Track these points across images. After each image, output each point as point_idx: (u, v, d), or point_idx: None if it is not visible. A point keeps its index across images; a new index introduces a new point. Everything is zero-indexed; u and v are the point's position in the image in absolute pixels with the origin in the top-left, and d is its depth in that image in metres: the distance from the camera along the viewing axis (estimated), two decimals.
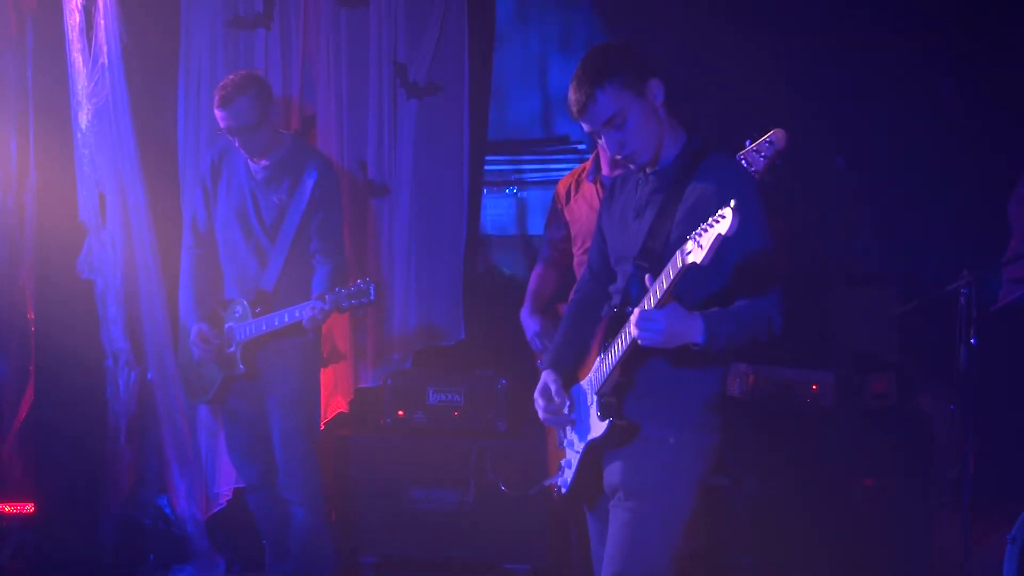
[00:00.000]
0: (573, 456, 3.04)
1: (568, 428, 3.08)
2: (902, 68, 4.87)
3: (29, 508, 4.75)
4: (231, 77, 4.28)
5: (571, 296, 3.27)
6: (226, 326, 4.29)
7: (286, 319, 4.09)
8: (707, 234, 2.48)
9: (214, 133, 4.86)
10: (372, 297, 3.94)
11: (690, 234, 2.53)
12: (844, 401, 4.11)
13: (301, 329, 4.13)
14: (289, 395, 4.26)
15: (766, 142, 3.48)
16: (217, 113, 4.16)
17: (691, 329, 2.67)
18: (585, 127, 2.91)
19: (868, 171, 5.01)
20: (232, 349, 4.26)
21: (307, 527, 4.26)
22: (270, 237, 4.25)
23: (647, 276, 2.71)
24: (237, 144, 4.20)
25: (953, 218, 4.83)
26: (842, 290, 5.03)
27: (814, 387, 4.15)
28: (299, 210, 4.21)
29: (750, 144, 3.51)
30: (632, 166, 2.98)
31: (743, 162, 3.50)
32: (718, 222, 2.47)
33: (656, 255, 2.68)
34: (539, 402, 3.07)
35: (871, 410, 4.18)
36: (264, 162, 4.26)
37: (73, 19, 4.60)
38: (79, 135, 4.67)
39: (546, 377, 3.08)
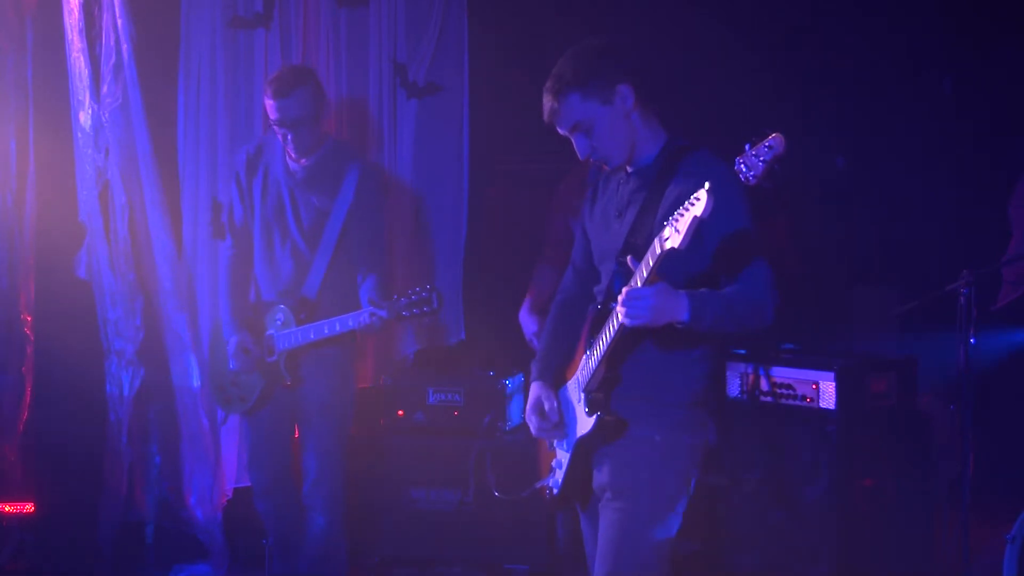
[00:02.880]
0: (563, 456, 3.04)
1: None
2: (902, 68, 4.87)
3: (29, 508, 4.74)
4: (286, 68, 4.20)
5: (555, 297, 3.27)
6: (266, 333, 4.16)
7: (337, 328, 3.95)
8: (683, 218, 2.49)
9: (214, 133, 4.87)
10: (436, 305, 3.73)
11: (667, 220, 2.54)
12: (844, 401, 4.11)
13: (343, 338, 3.99)
14: (328, 406, 4.17)
15: (764, 147, 3.48)
16: (269, 104, 4.02)
17: (677, 307, 2.66)
18: (559, 131, 2.94)
19: (868, 171, 5.01)
20: (274, 358, 4.13)
21: (326, 535, 4.19)
22: (309, 242, 4.13)
23: (629, 258, 2.71)
24: (289, 138, 4.04)
25: (953, 218, 4.84)
26: (842, 290, 5.03)
27: (814, 387, 4.15)
28: (340, 216, 4.08)
29: (749, 148, 3.51)
30: (606, 168, 3.00)
31: (742, 166, 3.50)
32: (693, 204, 2.47)
33: (638, 252, 2.68)
34: (532, 419, 3.07)
35: (871, 410, 4.18)
36: (305, 161, 4.13)
37: (73, 19, 4.59)
38: (79, 135, 4.66)
39: (538, 391, 3.07)
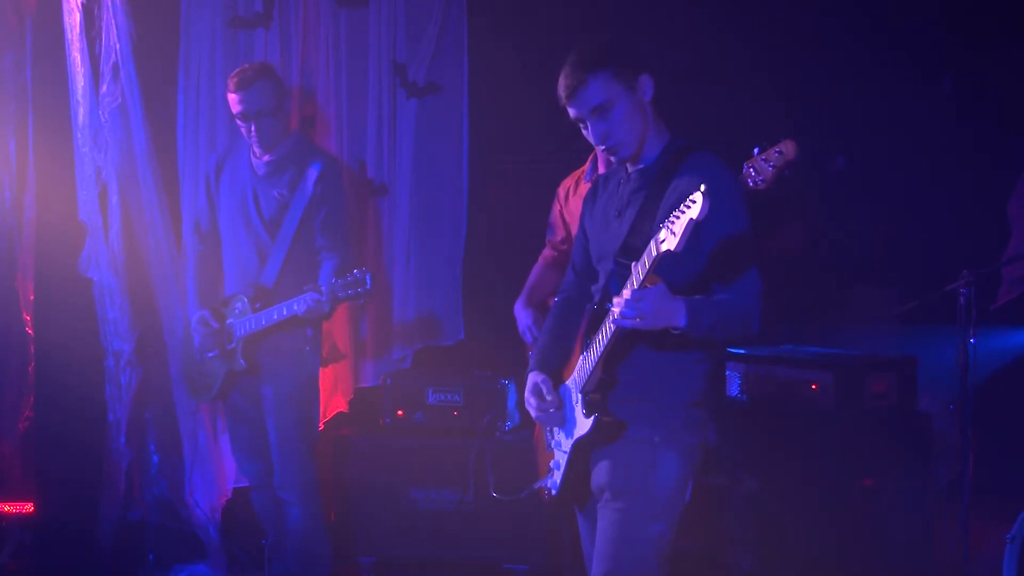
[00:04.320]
0: (561, 457, 3.04)
1: (556, 429, 3.08)
2: (902, 68, 4.87)
3: (29, 508, 4.75)
4: (247, 64, 4.28)
5: (556, 297, 3.27)
6: (227, 322, 4.26)
7: (284, 312, 4.05)
8: (679, 220, 2.49)
9: (214, 132, 4.88)
10: (368, 286, 3.87)
11: (663, 223, 2.54)
12: (844, 401, 4.11)
13: (300, 324, 4.10)
14: (285, 392, 4.24)
15: (775, 152, 3.45)
16: (232, 97, 4.13)
17: (675, 312, 2.67)
18: (572, 112, 2.92)
19: (868, 171, 5.01)
20: (232, 345, 4.23)
21: (303, 527, 4.25)
22: (270, 232, 4.23)
23: (633, 264, 2.71)
24: (252, 131, 4.15)
25: (953, 218, 4.83)
26: (842, 290, 5.03)
27: (814, 387, 4.15)
28: (301, 205, 4.18)
29: (758, 153, 3.49)
30: (613, 159, 2.99)
31: (751, 171, 3.49)
32: (689, 207, 2.47)
33: (637, 252, 2.68)
34: (531, 401, 3.06)
35: (871, 410, 4.18)
36: (267, 157, 4.24)
37: (73, 19, 4.60)
38: (79, 135, 4.66)
39: (535, 378, 3.07)
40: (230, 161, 4.36)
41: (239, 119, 4.17)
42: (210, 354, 4.31)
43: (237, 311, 4.24)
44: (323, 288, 3.93)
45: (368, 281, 3.87)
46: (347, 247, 4.29)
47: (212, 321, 4.25)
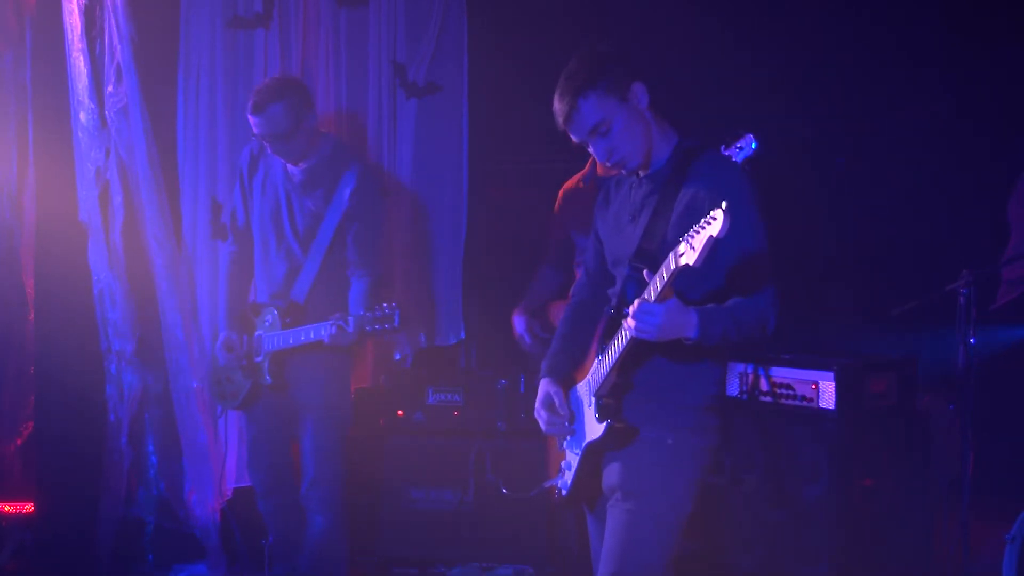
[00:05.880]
0: (573, 458, 3.04)
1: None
2: (902, 68, 4.87)
3: (29, 508, 4.75)
4: (267, 81, 4.21)
5: (568, 300, 3.27)
6: (256, 334, 4.22)
7: (311, 335, 3.99)
8: (699, 236, 2.48)
9: (214, 133, 4.87)
10: (396, 324, 3.80)
11: (683, 236, 2.53)
12: (844, 401, 4.10)
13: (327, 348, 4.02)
14: (322, 407, 4.20)
15: (736, 147, 3.54)
16: (249, 118, 4.07)
17: (685, 325, 2.67)
18: (573, 137, 2.91)
19: (868, 171, 5.01)
20: (260, 359, 4.19)
21: (325, 535, 4.22)
22: (302, 245, 4.17)
23: (645, 272, 2.70)
24: (269, 151, 4.12)
25: (953, 218, 4.83)
26: (842, 290, 5.02)
27: (814, 387, 4.14)
28: (334, 220, 4.11)
29: (724, 149, 3.57)
30: (624, 171, 2.98)
31: None
32: (710, 223, 2.46)
33: (652, 256, 2.68)
34: (542, 414, 3.06)
35: (871, 410, 4.18)
36: (303, 164, 4.17)
37: (73, 19, 4.60)
38: (80, 135, 4.67)
39: (547, 387, 3.07)
40: (265, 157, 4.28)
41: (258, 138, 4.13)
42: (233, 366, 4.27)
43: (267, 323, 4.18)
44: (350, 320, 3.86)
45: (396, 319, 3.80)
46: (379, 263, 4.19)
47: (236, 344, 4.22)
